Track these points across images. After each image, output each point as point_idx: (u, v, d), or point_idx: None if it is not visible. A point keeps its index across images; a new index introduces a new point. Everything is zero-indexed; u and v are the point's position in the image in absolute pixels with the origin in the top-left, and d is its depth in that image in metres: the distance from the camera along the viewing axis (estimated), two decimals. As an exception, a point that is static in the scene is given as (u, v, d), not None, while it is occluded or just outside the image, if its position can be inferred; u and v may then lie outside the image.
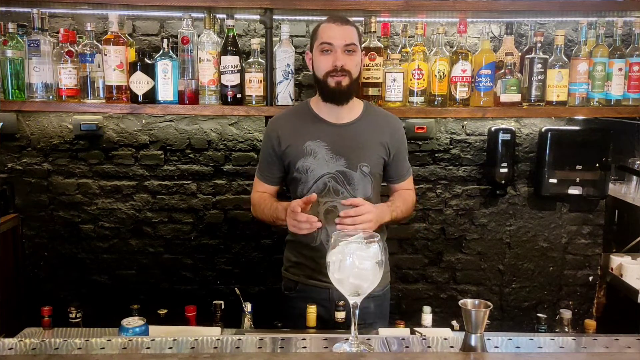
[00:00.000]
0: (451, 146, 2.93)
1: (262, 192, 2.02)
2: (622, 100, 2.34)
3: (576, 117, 2.81)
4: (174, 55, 2.26)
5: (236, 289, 2.07)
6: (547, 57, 2.30)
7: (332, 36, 1.84)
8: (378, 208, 1.85)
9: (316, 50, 1.89)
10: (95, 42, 2.26)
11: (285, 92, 2.31)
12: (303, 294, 1.98)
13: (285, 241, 2.10)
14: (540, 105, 2.33)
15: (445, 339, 1.37)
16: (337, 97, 1.89)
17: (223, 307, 1.91)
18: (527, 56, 2.34)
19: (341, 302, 1.73)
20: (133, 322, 1.46)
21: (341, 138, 1.92)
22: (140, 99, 2.25)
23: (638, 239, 2.77)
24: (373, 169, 1.93)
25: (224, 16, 2.38)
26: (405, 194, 2.04)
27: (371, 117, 1.99)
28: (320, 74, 1.88)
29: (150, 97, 2.27)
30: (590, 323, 1.77)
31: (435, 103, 2.33)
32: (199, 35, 2.27)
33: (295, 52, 2.41)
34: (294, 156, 1.92)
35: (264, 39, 2.34)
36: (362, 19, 2.39)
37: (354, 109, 1.97)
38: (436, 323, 1.87)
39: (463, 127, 2.92)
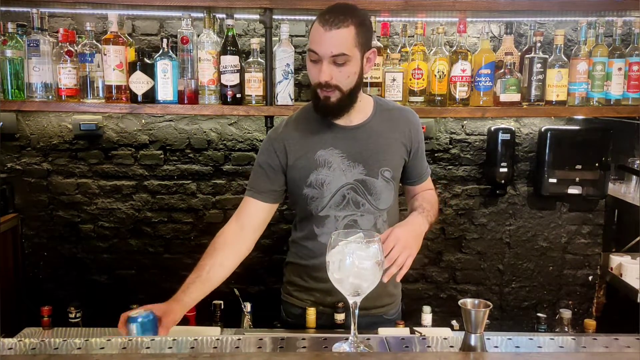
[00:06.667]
0: (451, 146, 2.93)
1: (240, 221, 1.74)
2: (621, 100, 2.34)
3: (576, 117, 2.81)
4: (173, 55, 2.26)
5: (235, 289, 2.07)
6: (547, 56, 2.31)
7: (318, 42, 1.53)
8: (408, 225, 1.57)
9: (308, 53, 1.60)
10: (94, 42, 2.26)
11: (285, 91, 2.31)
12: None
13: (285, 263, 1.88)
14: (540, 105, 2.33)
15: (445, 338, 1.37)
16: (326, 112, 1.63)
17: (223, 307, 1.91)
18: (527, 56, 2.34)
19: (340, 304, 1.71)
20: (140, 312, 1.44)
21: (356, 142, 1.68)
22: (139, 98, 2.25)
23: (638, 239, 2.76)
24: (395, 172, 1.72)
25: (224, 16, 2.38)
26: (428, 195, 1.82)
27: (385, 113, 1.74)
28: (311, 82, 1.62)
29: (150, 96, 2.27)
30: (590, 323, 1.77)
31: (435, 103, 2.34)
32: (198, 35, 2.27)
33: (295, 51, 2.41)
34: (305, 170, 1.67)
35: (263, 39, 2.34)
36: (361, 18, 2.39)
37: (364, 107, 1.72)
38: (436, 323, 1.86)
39: (463, 126, 2.92)
